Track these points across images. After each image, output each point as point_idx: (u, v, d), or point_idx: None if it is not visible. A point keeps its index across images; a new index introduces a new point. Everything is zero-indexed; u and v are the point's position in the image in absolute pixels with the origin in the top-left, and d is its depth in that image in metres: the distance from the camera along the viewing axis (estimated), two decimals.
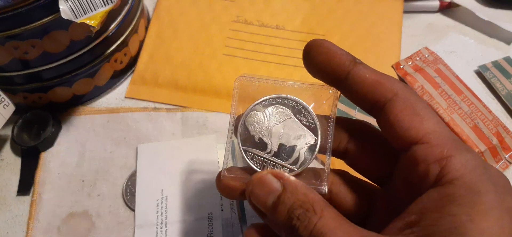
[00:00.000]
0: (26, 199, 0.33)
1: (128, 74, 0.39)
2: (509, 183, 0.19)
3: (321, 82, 0.22)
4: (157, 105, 0.38)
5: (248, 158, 0.23)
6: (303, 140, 0.23)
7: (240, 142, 0.23)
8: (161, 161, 0.34)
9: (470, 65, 0.40)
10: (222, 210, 0.32)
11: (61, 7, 0.27)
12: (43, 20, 0.29)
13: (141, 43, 0.40)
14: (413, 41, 0.42)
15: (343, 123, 0.23)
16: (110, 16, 0.34)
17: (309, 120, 0.23)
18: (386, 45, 0.40)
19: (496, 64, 0.40)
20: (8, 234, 0.32)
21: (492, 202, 0.17)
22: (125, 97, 0.38)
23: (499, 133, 0.35)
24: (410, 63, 0.39)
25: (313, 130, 0.23)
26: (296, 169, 0.23)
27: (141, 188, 0.33)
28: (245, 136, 0.23)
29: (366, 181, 0.24)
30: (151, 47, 0.40)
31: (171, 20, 0.41)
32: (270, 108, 0.24)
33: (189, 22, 0.41)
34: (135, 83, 0.39)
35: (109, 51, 0.36)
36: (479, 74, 0.40)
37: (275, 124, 0.23)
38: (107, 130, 0.36)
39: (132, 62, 0.39)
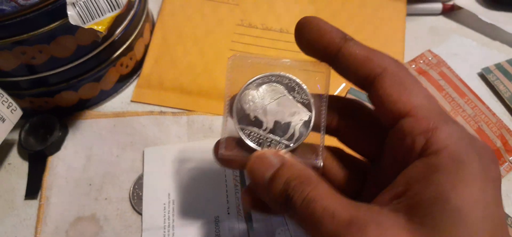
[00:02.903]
0: (34, 203, 0.33)
1: (134, 78, 0.40)
2: (493, 154, 0.19)
3: (314, 59, 0.23)
4: (163, 109, 0.38)
5: (245, 136, 0.23)
6: (298, 116, 0.24)
7: (236, 121, 0.24)
8: (168, 164, 0.34)
9: (473, 68, 0.41)
10: (228, 213, 0.32)
11: (69, 12, 0.27)
12: (51, 26, 0.29)
13: (147, 47, 0.40)
14: (416, 44, 0.42)
15: (336, 101, 0.24)
16: (116, 20, 0.34)
17: (302, 97, 0.24)
18: (389, 49, 0.40)
19: (499, 66, 0.40)
20: None
21: (475, 171, 0.17)
22: (131, 101, 0.38)
23: (503, 136, 0.35)
24: (413, 66, 0.39)
25: (307, 106, 0.24)
26: (291, 145, 0.23)
27: (148, 191, 0.33)
28: (241, 115, 0.24)
29: (358, 158, 0.24)
30: (156, 51, 0.40)
31: (176, 24, 0.41)
32: (264, 86, 0.24)
33: (194, 26, 0.41)
34: (141, 87, 0.39)
35: (115, 55, 0.36)
36: (483, 76, 0.40)
37: (269, 102, 0.24)
38: (113, 133, 0.36)
39: (138, 66, 0.40)
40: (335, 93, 0.37)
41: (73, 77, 0.34)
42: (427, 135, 0.18)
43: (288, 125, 0.24)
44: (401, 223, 0.17)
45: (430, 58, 0.40)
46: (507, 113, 0.38)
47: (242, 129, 0.24)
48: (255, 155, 0.22)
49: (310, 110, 0.24)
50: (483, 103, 0.37)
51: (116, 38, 0.35)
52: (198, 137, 0.36)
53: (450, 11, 0.45)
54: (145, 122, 0.37)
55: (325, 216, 0.18)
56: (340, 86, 0.38)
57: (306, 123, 0.24)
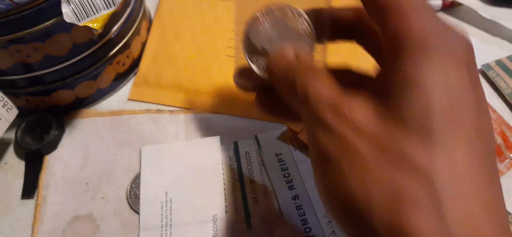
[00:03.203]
0: (31, 202, 0.33)
1: (131, 76, 0.39)
2: (468, 42, 0.19)
3: None
4: (160, 107, 0.37)
5: (254, 66, 0.26)
6: (301, 42, 0.26)
7: (246, 53, 0.27)
8: (165, 163, 0.34)
9: None
10: (226, 212, 0.32)
11: (63, 10, 0.27)
12: (46, 23, 0.29)
13: (143, 45, 0.40)
14: None
15: (335, 15, 0.25)
16: (112, 18, 0.33)
17: (304, 24, 0.26)
18: None
19: (499, 63, 0.40)
20: None
21: (441, 52, 0.18)
22: (128, 99, 0.38)
23: (503, 132, 0.35)
24: None
25: (309, 34, 0.26)
26: None
27: (145, 190, 0.33)
28: (250, 47, 0.26)
29: (364, 75, 0.25)
30: (153, 49, 0.40)
31: (173, 21, 0.41)
32: (268, 18, 0.26)
33: (191, 24, 0.41)
34: (138, 85, 0.39)
35: (111, 53, 0.35)
36: (483, 73, 0.40)
37: (274, 32, 0.26)
38: (110, 132, 0.36)
39: (135, 65, 0.39)
40: None
41: (69, 75, 0.34)
42: (403, 24, 0.19)
43: None
44: (369, 105, 0.19)
45: None
46: (507, 109, 0.37)
47: (250, 59, 0.26)
48: (275, 53, 0.24)
49: (312, 37, 0.26)
50: None
51: (113, 36, 0.34)
52: (196, 135, 0.36)
53: (450, 7, 0.44)
54: (142, 120, 0.37)
55: (314, 99, 0.20)
56: None
57: (308, 50, 0.26)
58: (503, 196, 0.18)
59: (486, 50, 0.41)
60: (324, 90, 0.20)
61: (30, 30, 0.28)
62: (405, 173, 0.17)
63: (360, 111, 0.19)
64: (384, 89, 0.19)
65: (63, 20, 0.27)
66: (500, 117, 0.36)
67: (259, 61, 0.27)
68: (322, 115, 0.19)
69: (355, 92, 0.20)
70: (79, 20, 0.27)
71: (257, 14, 0.26)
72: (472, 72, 0.18)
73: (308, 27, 0.26)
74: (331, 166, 0.19)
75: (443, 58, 0.18)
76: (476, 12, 0.42)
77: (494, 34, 0.42)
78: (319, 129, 0.19)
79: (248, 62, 0.26)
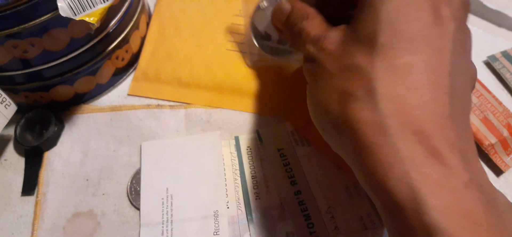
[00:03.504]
0: (31, 199, 0.33)
1: (130, 71, 0.39)
2: None
3: None
4: (161, 102, 0.37)
5: (260, 48, 0.33)
6: None
7: (253, 37, 0.33)
8: (166, 158, 0.34)
9: (479, 56, 0.39)
10: (228, 208, 0.32)
11: (59, 4, 0.26)
12: (42, 18, 0.28)
13: (143, 39, 0.40)
14: None
15: None
16: (110, 12, 0.33)
17: None
18: None
19: (505, 54, 0.39)
20: (13, 235, 0.31)
21: None
22: (128, 94, 0.38)
23: (510, 125, 0.34)
24: None
25: None
26: (290, 54, 0.33)
27: (145, 186, 0.33)
28: (256, 32, 0.33)
29: None
30: (153, 44, 0.39)
31: (173, 15, 0.40)
32: (270, 7, 0.31)
33: (191, 18, 0.40)
34: (138, 80, 0.38)
35: (110, 48, 0.35)
36: (488, 64, 0.39)
37: None
38: (110, 128, 0.36)
39: (134, 59, 0.39)
40: None
41: (68, 71, 0.34)
42: None
43: None
44: (341, 33, 0.22)
45: None
46: None
47: (256, 42, 0.33)
48: (276, 6, 0.28)
49: None
50: (489, 92, 0.36)
51: (111, 30, 0.34)
52: (196, 130, 0.35)
53: None
54: (142, 116, 0.36)
55: (305, 38, 0.24)
56: None
57: None
58: (465, 113, 0.20)
59: (492, 41, 0.40)
60: (312, 30, 0.24)
61: (26, 25, 0.28)
62: (352, 77, 0.20)
63: (332, 40, 0.22)
64: (353, 16, 0.22)
65: (60, 14, 0.27)
66: (506, 110, 0.35)
67: (263, 43, 0.33)
68: (309, 48, 0.24)
69: (338, 27, 0.23)
70: (75, 14, 0.27)
71: (260, 4, 0.32)
72: (436, 6, 0.20)
73: None
74: (313, 86, 0.24)
75: None
76: (481, 3, 0.42)
77: (499, 24, 0.41)
78: (307, 60, 0.24)
79: (255, 44, 0.33)
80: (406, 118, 0.18)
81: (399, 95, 0.19)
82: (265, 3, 0.32)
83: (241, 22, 0.40)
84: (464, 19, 0.22)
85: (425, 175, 0.18)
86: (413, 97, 0.19)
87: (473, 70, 0.22)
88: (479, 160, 0.20)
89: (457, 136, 0.19)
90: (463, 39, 0.21)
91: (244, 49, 0.38)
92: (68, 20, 0.29)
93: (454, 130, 0.19)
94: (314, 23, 0.24)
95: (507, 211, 0.18)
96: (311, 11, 0.25)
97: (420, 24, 0.20)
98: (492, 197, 0.18)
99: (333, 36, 0.22)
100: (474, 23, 0.42)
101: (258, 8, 0.31)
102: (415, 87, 0.19)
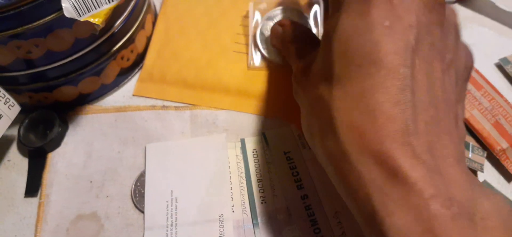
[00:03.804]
0: (34, 200, 0.32)
1: (136, 71, 0.38)
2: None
3: None
4: (166, 103, 0.37)
5: (265, 53, 0.36)
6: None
7: (259, 43, 0.37)
8: (170, 160, 0.33)
9: (490, 58, 0.39)
10: (233, 211, 0.31)
11: (63, 5, 0.26)
12: (46, 19, 0.28)
13: (148, 39, 0.39)
14: None
15: None
16: (116, 12, 0.33)
17: (305, 22, 0.36)
18: None
19: None
20: None
21: (349, 8, 0.21)
22: (133, 95, 0.37)
23: None
24: None
25: (314, 26, 0.36)
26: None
27: (150, 189, 0.32)
28: (262, 38, 0.37)
29: None
30: (158, 44, 0.39)
31: (179, 16, 0.40)
32: (277, 16, 0.37)
33: (197, 18, 0.40)
34: (143, 81, 0.38)
35: (115, 48, 0.34)
36: (500, 67, 0.38)
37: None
38: (114, 129, 0.35)
39: (139, 60, 0.38)
40: None
41: (72, 71, 0.33)
42: None
43: None
44: (315, 64, 0.24)
45: None
46: None
47: (263, 47, 0.36)
48: (272, 27, 0.34)
49: (316, 28, 0.36)
50: (501, 95, 0.35)
51: (116, 30, 0.33)
52: (201, 132, 0.35)
53: (466, 0, 0.43)
54: (147, 117, 0.36)
55: (291, 55, 0.29)
56: None
57: None
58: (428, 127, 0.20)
59: (504, 43, 0.40)
60: (296, 55, 0.28)
61: (30, 25, 0.27)
62: (319, 108, 0.22)
63: (306, 69, 0.25)
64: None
65: (64, 15, 0.26)
66: None
67: (269, 47, 0.36)
68: (293, 78, 0.27)
69: (316, 51, 0.25)
70: (80, 15, 0.26)
71: (268, 13, 0.37)
72: (371, 19, 0.20)
73: (308, 23, 0.36)
74: (300, 110, 0.26)
75: (348, 11, 0.21)
76: (493, 4, 0.41)
77: None
78: (294, 80, 0.27)
79: (261, 50, 0.36)
80: (364, 142, 0.19)
81: (355, 121, 0.19)
82: (277, 12, 0.37)
83: (247, 24, 0.39)
84: (432, 18, 0.21)
85: (385, 196, 0.18)
86: (367, 121, 0.19)
87: (461, 61, 0.22)
88: (464, 166, 0.20)
89: (424, 149, 0.18)
90: (436, 36, 0.21)
91: (250, 51, 0.37)
92: (72, 21, 0.29)
93: (420, 142, 0.19)
94: (299, 48, 0.26)
95: (490, 218, 0.18)
96: (298, 32, 0.27)
97: (371, 46, 0.20)
98: (467, 206, 0.18)
99: (307, 65, 0.24)
100: (486, 25, 0.41)
101: (267, 18, 0.36)
102: (368, 111, 0.19)
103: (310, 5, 0.38)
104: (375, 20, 0.20)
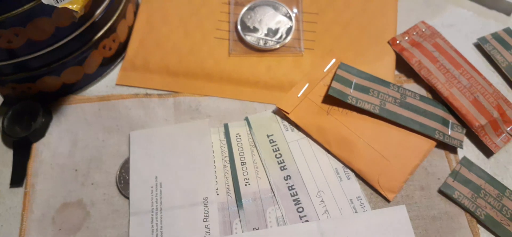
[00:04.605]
0: (20, 190, 0.33)
1: (118, 61, 0.39)
2: None
3: None
4: (149, 91, 0.37)
5: (247, 39, 0.37)
6: (283, 24, 0.38)
7: (240, 30, 0.38)
8: (154, 147, 0.34)
9: (469, 38, 0.39)
10: (217, 194, 0.32)
11: None
12: (25, 7, 0.28)
13: (130, 28, 0.39)
14: (410, 15, 0.41)
15: None
16: (96, 0, 0.33)
17: (285, 11, 0.39)
18: (382, 21, 0.39)
19: (496, 36, 0.38)
20: (2, 227, 0.31)
21: None
22: (116, 84, 0.37)
23: (500, 106, 0.34)
24: (406, 38, 0.38)
25: (289, 18, 0.38)
26: (278, 44, 0.37)
27: (134, 175, 0.33)
28: (244, 26, 0.38)
29: None
30: (140, 33, 0.39)
31: (161, 4, 0.40)
32: (257, 7, 0.39)
33: (179, 6, 0.40)
34: (126, 70, 0.38)
35: (96, 37, 0.35)
36: (479, 47, 0.39)
37: (262, 16, 0.38)
38: (98, 118, 0.36)
39: (122, 49, 0.39)
40: (325, 70, 0.36)
41: (54, 61, 0.33)
42: None
43: (277, 29, 0.38)
44: None
45: (423, 30, 0.39)
46: (504, 83, 0.37)
47: (245, 34, 0.37)
48: None
49: (291, 20, 0.38)
50: (479, 74, 0.36)
51: (96, 19, 0.34)
52: (185, 118, 0.35)
53: None
54: (130, 105, 0.36)
55: None
56: (331, 62, 0.37)
57: (288, 29, 0.38)
58: None
59: (483, 23, 0.40)
60: None
61: (9, 14, 0.28)
62: None
63: None
64: None
65: (42, 3, 0.26)
66: (496, 91, 0.35)
67: (251, 35, 0.37)
68: None
69: None
70: (58, 2, 0.27)
71: (250, 4, 0.38)
72: None
73: (287, 12, 0.38)
74: None
75: None
76: None
77: (490, 7, 0.41)
78: None
79: (243, 37, 0.37)
80: None
81: None
82: (254, 4, 0.39)
83: (228, 10, 0.40)
84: None
85: None
86: None
87: None
88: None
89: None
90: None
91: (232, 37, 0.38)
92: (51, 9, 0.29)
93: None
94: None
95: None
96: None
97: None
98: None
99: None
100: (465, 6, 0.42)
101: (248, 8, 0.38)
102: None
103: None
104: None
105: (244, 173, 0.33)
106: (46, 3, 0.26)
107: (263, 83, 0.36)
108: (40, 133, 0.34)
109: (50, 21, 0.30)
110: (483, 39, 0.38)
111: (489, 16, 0.41)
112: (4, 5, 0.27)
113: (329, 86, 0.34)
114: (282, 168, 0.33)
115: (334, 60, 0.37)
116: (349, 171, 0.32)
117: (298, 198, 0.31)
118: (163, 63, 0.37)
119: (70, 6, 0.27)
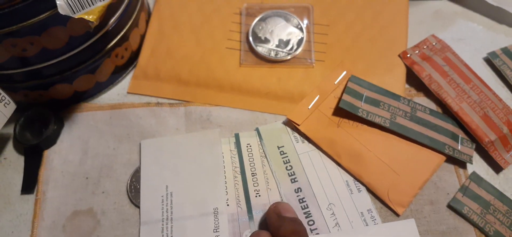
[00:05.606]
0: (30, 197, 0.33)
1: (130, 69, 0.39)
2: None
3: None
4: (160, 100, 0.37)
5: (259, 50, 0.38)
6: (294, 36, 0.38)
7: (252, 41, 0.38)
8: (165, 156, 0.34)
9: (479, 53, 0.39)
10: (227, 205, 0.32)
11: (58, 2, 0.26)
12: (41, 16, 0.28)
13: (142, 37, 0.40)
14: (420, 28, 0.41)
15: None
16: (110, 10, 0.33)
17: (296, 23, 0.39)
18: (392, 34, 0.39)
19: (505, 50, 0.39)
20: (13, 233, 0.31)
21: None
22: (128, 93, 0.38)
23: (510, 122, 0.34)
24: (417, 51, 0.38)
25: (300, 29, 0.39)
26: (289, 56, 0.37)
27: (145, 184, 0.33)
28: (255, 37, 0.38)
29: None
30: (152, 42, 0.39)
31: (172, 13, 0.40)
32: (269, 18, 0.39)
33: (190, 15, 0.40)
34: (137, 78, 0.38)
35: (109, 46, 0.35)
36: (488, 61, 0.39)
37: (274, 27, 0.39)
38: (109, 126, 0.36)
39: (134, 57, 0.39)
40: (336, 82, 0.36)
41: (67, 69, 0.34)
42: None
43: (288, 41, 0.38)
44: None
45: (434, 43, 0.39)
46: None
47: (256, 45, 0.38)
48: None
49: (302, 32, 0.38)
50: (489, 88, 0.36)
51: (110, 28, 0.34)
52: (195, 128, 0.35)
53: None
54: (141, 114, 0.36)
55: None
56: (342, 74, 0.37)
57: (300, 41, 0.38)
58: None
59: (492, 38, 0.40)
60: None
61: (25, 23, 0.28)
62: None
63: None
64: None
65: (58, 12, 0.27)
66: (506, 107, 0.35)
67: (262, 45, 0.38)
68: None
69: None
70: (74, 13, 0.27)
71: (261, 15, 0.39)
72: None
73: (298, 23, 0.39)
74: None
75: None
76: None
77: (500, 21, 0.41)
78: None
79: (254, 48, 0.38)
80: None
81: None
82: (269, 13, 0.39)
83: (240, 20, 0.40)
84: None
85: None
86: None
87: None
88: None
89: None
90: None
91: (243, 48, 0.38)
92: (67, 18, 0.29)
93: None
94: None
95: None
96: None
97: None
98: None
99: None
100: (475, 20, 0.42)
101: (260, 19, 0.39)
102: None
103: (300, 9, 0.39)
104: None
105: (255, 184, 0.33)
106: (62, 13, 0.26)
107: (274, 94, 0.37)
108: (51, 140, 0.34)
109: (64, 30, 0.30)
110: (493, 54, 0.39)
111: (498, 31, 0.41)
112: (21, 14, 0.27)
113: (340, 98, 0.35)
114: (292, 180, 0.33)
115: (345, 72, 0.37)
116: (360, 184, 0.32)
117: (309, 211, 0.31)
118: (175, 72, 0.38)
119: (86, 17, 0.27)
